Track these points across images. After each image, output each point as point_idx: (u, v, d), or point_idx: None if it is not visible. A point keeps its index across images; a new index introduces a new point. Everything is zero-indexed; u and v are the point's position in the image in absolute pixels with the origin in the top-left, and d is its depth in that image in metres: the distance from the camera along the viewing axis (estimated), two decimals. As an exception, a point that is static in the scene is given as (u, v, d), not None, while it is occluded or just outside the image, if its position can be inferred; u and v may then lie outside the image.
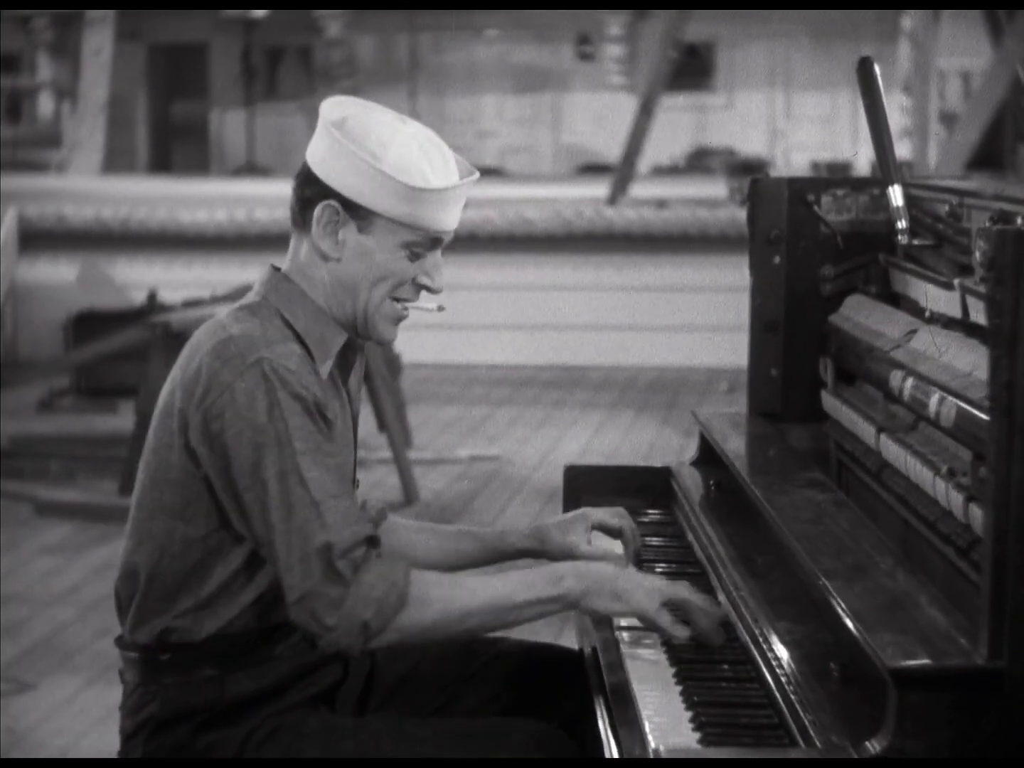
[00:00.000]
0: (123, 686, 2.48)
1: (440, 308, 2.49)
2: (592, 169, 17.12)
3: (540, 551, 2.68)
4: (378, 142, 2.36)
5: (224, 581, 2.37)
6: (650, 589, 2.33)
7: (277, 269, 2.47)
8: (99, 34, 15.10)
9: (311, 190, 2.39)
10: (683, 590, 2.35)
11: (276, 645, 2.41)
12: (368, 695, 2.59)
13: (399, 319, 2.45)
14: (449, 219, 2.40)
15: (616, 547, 2.72)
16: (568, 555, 2.65)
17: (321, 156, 2.38)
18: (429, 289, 2.44)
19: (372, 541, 2.30)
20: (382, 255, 2.38)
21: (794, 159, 17.76)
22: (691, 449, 3.20)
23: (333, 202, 2.36)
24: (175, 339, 6.88)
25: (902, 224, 2.78)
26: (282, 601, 2.30)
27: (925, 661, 1.92)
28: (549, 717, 2.51)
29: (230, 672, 2.39)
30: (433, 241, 2.41)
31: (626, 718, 2.14)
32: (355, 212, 2.36)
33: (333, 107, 2.41)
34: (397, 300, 2.42)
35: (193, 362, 2.37)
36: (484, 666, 2.58)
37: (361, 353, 2.54)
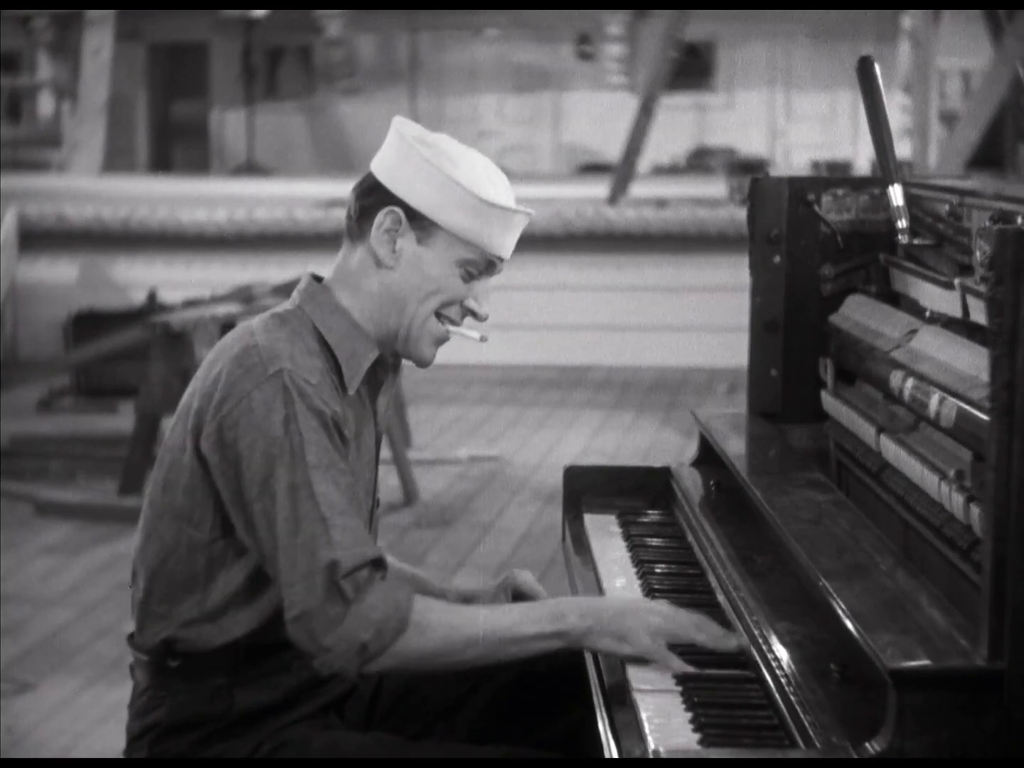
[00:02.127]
0: (133, 685, 2.47)
1: (483, 338, 2.47)
2: (592, 169, 17.14)
3: None
4: (449, 157, 2.37)
5: (228, 595, 2.36)
6: (655, 630, 2.25)
7: (317, 278, 2.46)
8: (99, 34, 15.09)
9: (373, 198, 2.39)
10: (688, 628, 2.27)
11: (287, 656, 2.38)
12: (375, 703, 2.58)
13: (441, 340, 2.44)
14: (508, 244, 2.41)
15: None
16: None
17: (390, 164, 2.38)
18: (475, 315, 2.43)
19: (378, 563, 2.28)
20: (437, 269, 2.38)
21: (794, 159, 17.77)
22: (691, 449, 3.19)
23: (397, 209, 2.36)
24: (175, 339, 6.88)
25: (902, 224, 2.78)
26: None
27: (925, 662, 1.92)
28: (550, 726, 2.51)
29: (240, 683, 2.38)
30: (489, 263, 2.41)
31: (626, 719, 2.14)
32: (417, 222, 2.36)
33: (405, 124, 2.42)
34: (441, 320, 2.41)
35: (216, 367, 2.36)
36: (489, 671, 2.57)
37: (393, 373, 2.51)
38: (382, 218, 2.37)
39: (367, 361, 2.41)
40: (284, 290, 6.98)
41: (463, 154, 2.40)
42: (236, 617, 2.36)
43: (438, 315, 2.41)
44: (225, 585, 2.36)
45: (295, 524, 2.25)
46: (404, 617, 2.24)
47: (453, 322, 2.43)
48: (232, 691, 2.38)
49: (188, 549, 2.37)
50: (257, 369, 2.30)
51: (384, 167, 2.39)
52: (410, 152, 2.36)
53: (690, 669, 2.21)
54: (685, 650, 2.27)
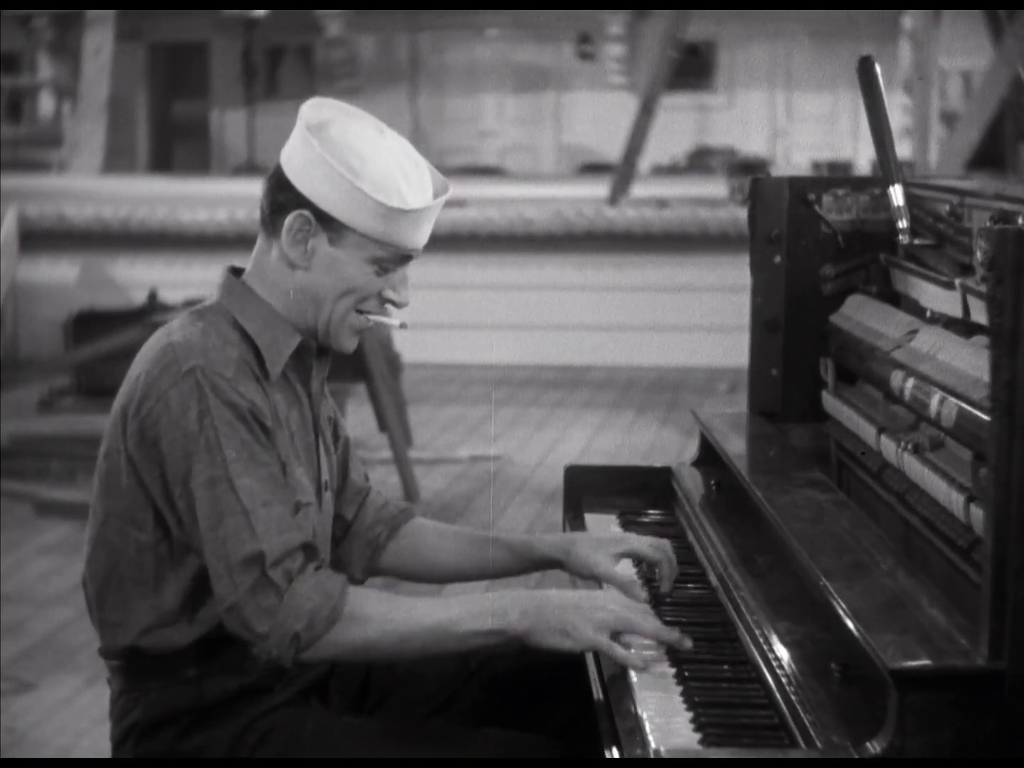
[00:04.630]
0: (110, 693, 2.47)
1: (403, 325, 2.48)
2: (593, 169, 17.12)
3: (564, 563, 2.62)
4: (357, 156, 2.34)
5: (182, 595, 2.35)
6: (599, 623, 2.25)
7: (234, 271, 2.46)
8: (99, 34, 15.09)
9: (284, 196, 2.36)
10: (633, 619, 2.26)
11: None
12: (365, 693, 2.58)
13: (361, 330, 2.44)
14: (421, 237, 2.39)
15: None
16: (587, 572, 2.60)
17: (297, 163, 2.35)
18: (394, 303, 2.42)
19: (307, 548, 2.29)
20: (351, 269, 2.37)
21: (795, 158, 17.76)
22: (692, 449, 3.19)
23: (306, 212, 2.34)
24: (175, 339, 6.87)
25: (903, 224, 2.77)
26: None
27: (926, 661, 1.92)
28: (548, 718, 2.51)
29: (208, 672, 2.38)
30: (403, 258, 2.39)
31: (627, 718, 2.14)
32: (327, 224, 2.34)
33: (313, 110, 2.39)
34: (361, 312, 2.41)
35: (137, 367, 2.37)
36: (482, 665, 2.57)
37: (324, 357, 2.50)
38: (291, 221, 2.35)
39: (288, 348, 2.40)
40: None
41: (372, 149, 2.35)
42: (196, 616, 2.36)
43: (357, 309, 2.41)
44: (176, 585, 2.36)
45: (216, 518, 2.26)
46: (336, 606, 2.24)
47: (372, 312, 2.42)
48: (201, 680, 2.38)
49: (136, 552, 2.37)
50: (172, 367, 2.31)
51: (292, 165, 2.36)
52: (315, 154, 2.33)
53: (637, 660, 2.22)
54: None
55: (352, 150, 2.34)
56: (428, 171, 2.42)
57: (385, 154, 2.36)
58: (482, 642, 2.29)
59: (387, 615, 2.28)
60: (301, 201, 2.35)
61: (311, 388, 2.48)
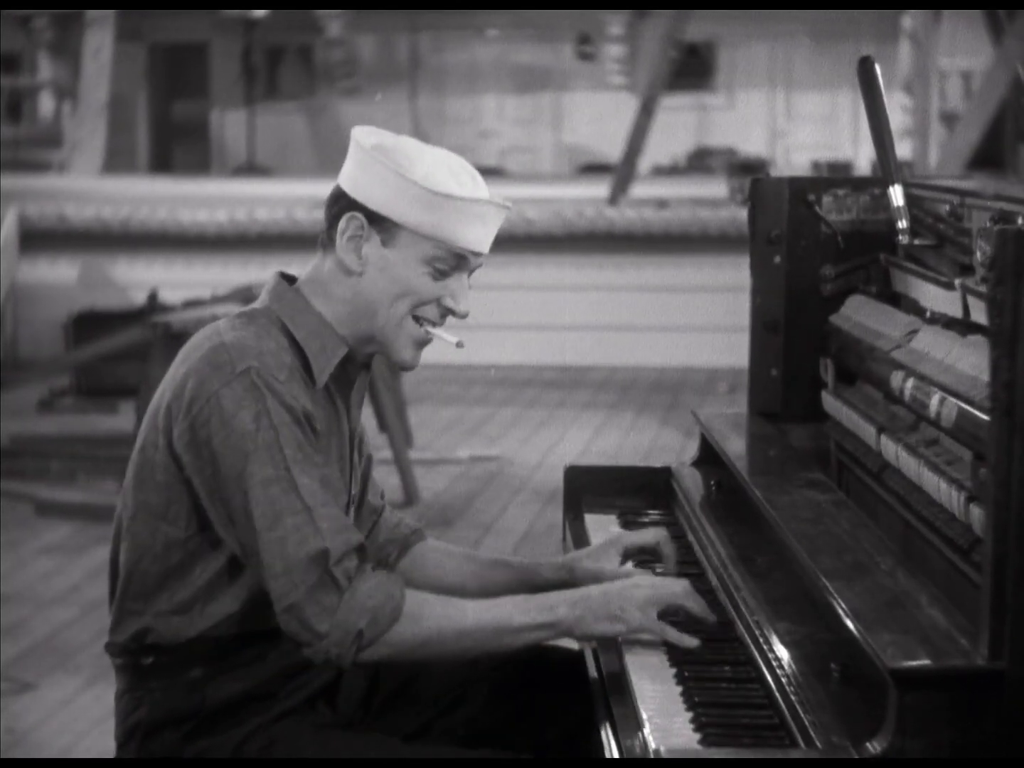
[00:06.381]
0: (115, 691, 2.47)
1: (459, 344, 2.46)
2: (593, 169, 17.14)
3: (570, 583, 2.61)
4: (406, 156, 2.37)
5: (198, 589, 2.36)
6: (644, 602, 2.32)
7: (284, 277, 2.47)
8: (99, 34, 15.10)
9: (337, 206, 2.39)
10: (676, 595, 2.35)
11: (262, 648, 2.38)
12: (372, 695, 2.58)
13: (421, 342, 2.43)
14: (473, 236, 2.38)
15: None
16: (596, 582, 2.60)
17: (350, 172, 2.39)
18: (453, 313, 2.42)
19: (362, 549, 2.30)
20: (404, 270, 2.37)
21: (795, 159, 17.78)
22: (691, 449, 3.19)
23: (358, 214, 2.37)
24: (175, 339, 6.87)
25: (903, 224, 2.78)
26: (265, 609, 2.29)
27: (925, 661, 1.92)
28: (552, 721, 2.52)
29: (214, 675, 2.38)
30: (457, 258, 2.39)
31: (627, 719, 2.14)
32: (379, 225, 2.36)
33: (366, 134, 2.42)
34: (419, 322, 2.41)
35: (184, 366, 2.36)
36: (490, 669, 2.57)
37: (365, 370, 2.51)
38: (344, 224, 2.37)
39: (336, 357, 2.41)
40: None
41: (423, 154, 2.39)
42: (204, 610, 2.37)
43: (415, 317, 2.41)
44: (201, 578, 2.37)
45: (274, 517, 2.26)
46: (398, 605, 2.27)
47: (432, 323, 2.42)
48: (205, 683, 2.38)
49: (164, 547, 2.37)
50: (226, 367, 2.31)
51: (346, 176, 2.40)
52: (367, 158, 2.37)
53: (688, 639, 2.30)
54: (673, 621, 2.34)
55: (403, 152, 2.38)
56: (483, 183, 2.43)
57: (436, 159, 2.39)
58: (535, 636, 2.33)
59: (443, 614, 2.31)
60: (353, 205, 2.37)
61: (351, 402, 2.50)
